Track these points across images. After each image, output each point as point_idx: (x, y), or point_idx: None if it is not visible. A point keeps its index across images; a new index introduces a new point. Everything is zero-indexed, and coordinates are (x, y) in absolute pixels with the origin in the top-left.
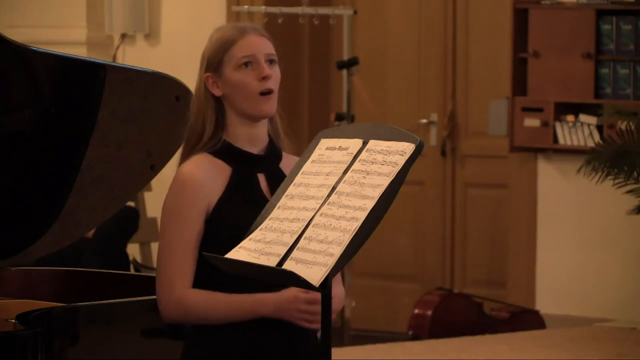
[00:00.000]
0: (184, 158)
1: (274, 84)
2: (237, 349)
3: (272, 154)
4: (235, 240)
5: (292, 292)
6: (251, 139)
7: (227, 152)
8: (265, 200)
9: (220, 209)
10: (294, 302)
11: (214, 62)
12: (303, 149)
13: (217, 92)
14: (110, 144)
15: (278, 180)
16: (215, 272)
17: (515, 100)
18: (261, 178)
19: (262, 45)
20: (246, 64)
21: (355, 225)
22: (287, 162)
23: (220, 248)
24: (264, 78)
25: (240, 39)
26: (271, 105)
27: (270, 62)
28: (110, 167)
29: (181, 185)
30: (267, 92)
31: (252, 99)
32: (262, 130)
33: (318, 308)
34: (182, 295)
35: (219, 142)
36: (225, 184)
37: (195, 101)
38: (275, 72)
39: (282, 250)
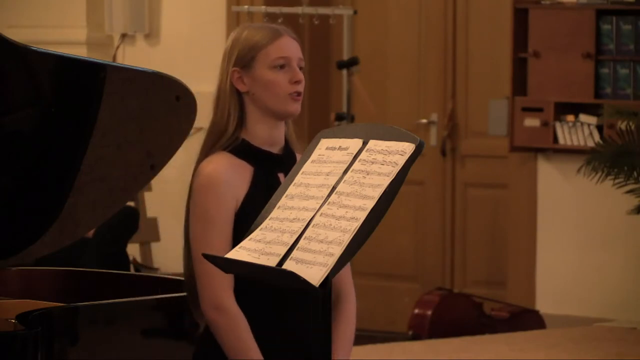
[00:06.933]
0: (203, 155)
1: (302, 87)
2: None
3: (289, 154)
4: None
5: None
6: (271, 139)
7: (248, 152)
8: None
9: (245, 208)
10: None
11: (245, 58)
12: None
13: (242, 88)
14: (110, 144)
15: None
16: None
17: (515, 100)
18: (281, 177)
19: (296, 49)
20: (280, 66)
21: (356, 225)
22: None
23: None
24: (297, 82)
25: (277, 39)
26: (298, 107)
27: (300, 67)
28: (110, 167)
29: (210, 187)
30: (296, 95)
31: (281, 98)
32: (281, 131)
33: None
34: (229, 305)
35: (237, 140)
36: (249, 183)
37: (218, 97)
38: (303, 77)
39: (282, 250)
